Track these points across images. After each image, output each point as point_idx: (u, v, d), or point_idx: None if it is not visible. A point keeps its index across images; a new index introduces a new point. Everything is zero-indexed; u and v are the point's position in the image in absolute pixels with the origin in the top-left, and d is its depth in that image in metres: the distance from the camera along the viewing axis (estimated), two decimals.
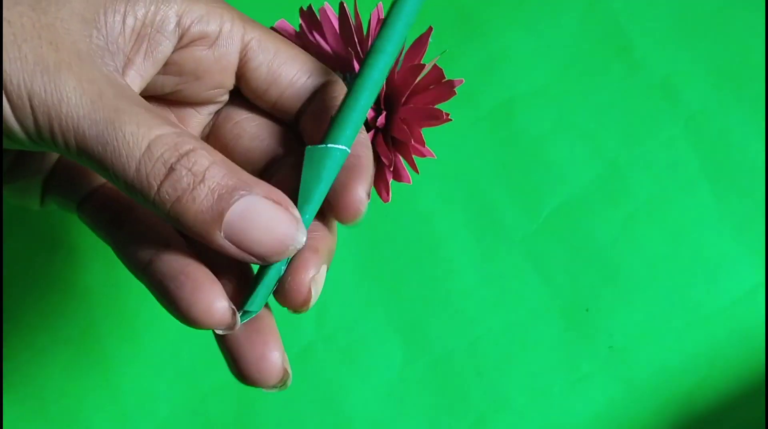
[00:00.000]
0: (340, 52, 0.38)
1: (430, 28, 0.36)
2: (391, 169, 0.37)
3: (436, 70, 0.36)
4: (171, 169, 0.21)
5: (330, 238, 0.25)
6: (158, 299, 0.24)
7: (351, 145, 0.23)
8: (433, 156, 0.37)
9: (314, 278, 0.24)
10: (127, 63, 0.24)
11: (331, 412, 0.39)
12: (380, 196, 0.38)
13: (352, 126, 0.23)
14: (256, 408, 0.39)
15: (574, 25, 0.43)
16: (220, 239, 0.21)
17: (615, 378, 0.39)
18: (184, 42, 0.25)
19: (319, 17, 0.39)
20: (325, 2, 0.39)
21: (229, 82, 0.26)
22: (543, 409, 0.39)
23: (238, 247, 0.21)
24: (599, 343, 0.39)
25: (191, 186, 0.21)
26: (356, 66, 0.37)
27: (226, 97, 0.27)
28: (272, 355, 0.24)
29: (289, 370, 0.25)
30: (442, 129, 0.40)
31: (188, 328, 0.25)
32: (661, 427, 0.38)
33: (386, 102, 0.37)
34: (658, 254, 0.40)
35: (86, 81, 0.21)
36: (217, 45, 0.25)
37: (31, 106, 0.20)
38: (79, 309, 0.41)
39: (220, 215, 0.21)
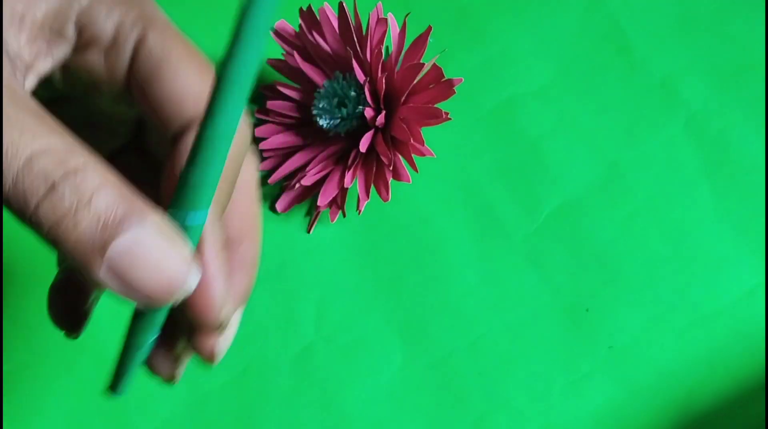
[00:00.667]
0: (340, 52, 0.38)
1: (430, 28, 0.37)
2: (391, 168, 0.37)
3: (436, 70, 0.36)
4: (52, 187, 0.18)
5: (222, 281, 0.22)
6: None
7: (206, 213, 0.20)
8: (432, 155, 0.37)
9: (220, 338, 0.23)
10: (28, 68, 0.21)
11: (331, 412, 0.39)
12: (380, 196, 0.38)
13: (205, 190, 0.19)
14: (256, 408, 0.39)
15: (574, 25, 0.43)
16: (102, 273, 0.18)
17: (615, 378, 0.39)
18: (79, 44, 0.22)
19: (318, 17, 0.39)
20: (325, 2, 0.39)
21: (120, 93, 0.23)
22: (543, 409, 0.39)
23: (121, 284, 0.19)
24: (599, 343, 0.39)
25: (74, 209, 0.18)
26: (356, 66, 0.37)
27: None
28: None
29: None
30: (442, 128, 0.40)
31: None
32: (661, 427, 0.38)
33: (386, 101, 0.37)
34: (658, 254, 0.40)
35: None
36: (108, 51, 0.22)
37: None
38: None
39: (103, 247, 0.18)
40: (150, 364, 0.24)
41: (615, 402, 0.39)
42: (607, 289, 0.40)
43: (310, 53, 0.39)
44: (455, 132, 0.42)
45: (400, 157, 0.37)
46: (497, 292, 0.40)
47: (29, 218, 0.18)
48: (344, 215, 0.40)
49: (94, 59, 0.22)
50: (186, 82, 0.22)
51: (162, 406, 0.39)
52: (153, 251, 0.19)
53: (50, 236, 0.18)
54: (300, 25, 0.39)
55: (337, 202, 0.39)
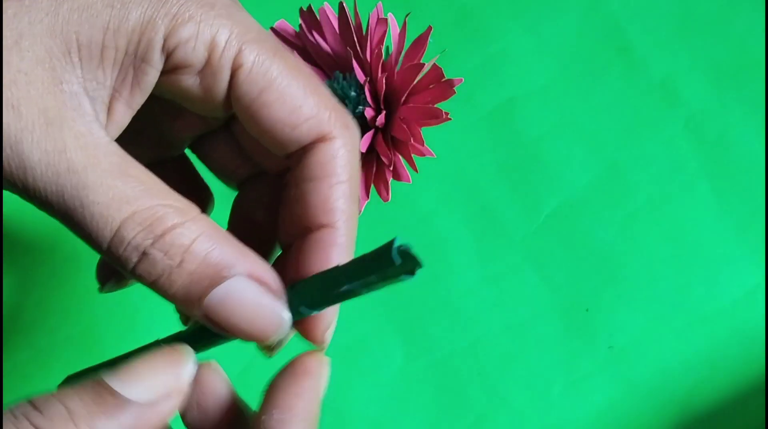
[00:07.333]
0: (340, 52, 0.38)
1: (430, 28, 0.37)
2: (391, 168, 0.37)
3: (436, 70, 0.36)
4: (144, 254, 0.19)
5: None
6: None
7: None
8: (432, 155, 0.37)
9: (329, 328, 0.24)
10: (114, 95, 0.21)
11: (331, 412, 0.39)
12: (380, 196, 0.38)
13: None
14: (255, 408, 0.39)
15: (574, 25, 0.43)
16: (201, 318, 0.20)
17: (615, 378, 0.39)
18: (167, 67, 0.21)
19: (318, 17, 0.39)
20: (325, 2, 0.39)
21: (218, 111, 0.23)
22: (543, 409, 0.39)
23: (220, 327, 0.20)
24: (599, 343, 0.39)
25: (168, 270, 0.19)
26: (356, 66, 0.37)
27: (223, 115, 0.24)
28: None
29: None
30: (442, 128, 0.40)
31: None
32: (661, 427, 0.38)
33: (386, 101, 0.37)
34: (658, 254, 0.40)
35: (53, 151, 0.19)
36: (203, 74, 0.21)
37: (9, 174, 0.19)
38: (79, 309, 0.41)
39: (200, 299, 0.20)
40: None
41: (615, 402, 0.39)
42: (607, 289, 0.40)
43: (310, 53, 0.39)
44: (455, 132, 0.42)
45: (400, 157, 0.37)
46: (497, 292, 0.40)
47: (129, 275, 0.19)
48: None
49: (187, 82, 0.21)
50: (293, 105, 0.22)
51: None
52: (246, 301, 0.20)
53: (152, 288, 0.20)
54: (300, 25, 0.39)
55: None
